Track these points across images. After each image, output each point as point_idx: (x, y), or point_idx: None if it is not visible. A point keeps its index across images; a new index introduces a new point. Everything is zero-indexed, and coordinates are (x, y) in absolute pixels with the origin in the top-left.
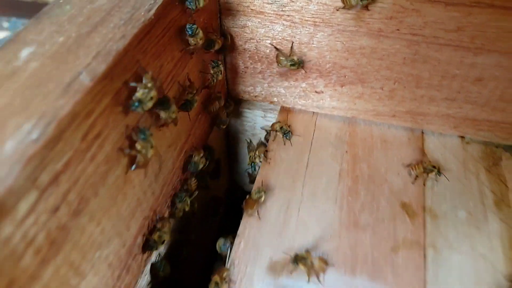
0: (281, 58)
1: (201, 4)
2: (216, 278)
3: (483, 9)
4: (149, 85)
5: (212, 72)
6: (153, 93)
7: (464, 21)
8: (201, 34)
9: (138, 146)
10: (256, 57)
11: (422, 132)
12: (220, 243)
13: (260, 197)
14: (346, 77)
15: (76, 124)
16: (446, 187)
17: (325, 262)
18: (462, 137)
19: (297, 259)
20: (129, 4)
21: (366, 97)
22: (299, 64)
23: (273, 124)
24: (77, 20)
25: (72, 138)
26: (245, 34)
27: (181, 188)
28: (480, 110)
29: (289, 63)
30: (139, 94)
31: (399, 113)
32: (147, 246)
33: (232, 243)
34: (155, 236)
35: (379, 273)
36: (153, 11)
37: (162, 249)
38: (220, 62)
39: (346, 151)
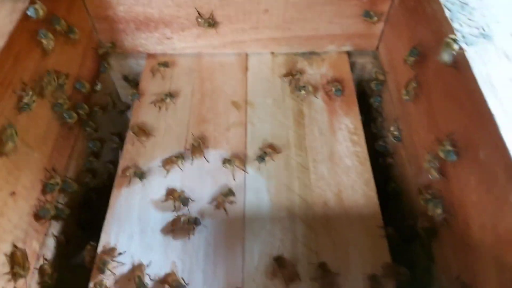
0: (199, 20)
1: (41, 14)
2: None
3: None
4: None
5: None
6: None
7: None
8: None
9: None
10: (117, 20)
11: (247, 54)
12: None
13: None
14: (183, 24)
15: None
16: (260, 86)
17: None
18: (273, 53)
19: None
20: None
21: (202, 37)
22: (212, 25)
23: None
24: None
25: None
26: (105, 4)
27: None
28: (275, 31)
29: (206, 24)
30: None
31: (227, 44)
32: None
33: None
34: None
35: (220, 144)
36: None
37: None
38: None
39: (196, 76)
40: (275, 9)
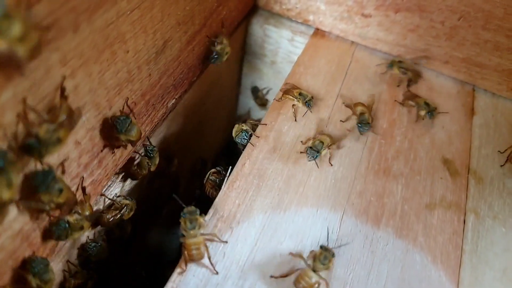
0: None
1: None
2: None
3: None
4: None
5: None
6: None
7: None
8: None
9: None
10: None
11: (473, 89)
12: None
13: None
14: (404, 0)
15: None
16: (495, 151)
17: None
18: None
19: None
20: None
21: (420, 32)
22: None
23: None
24: None
25: None
26: None
27: None
28: None
29: None
30: None
31: (454, 60)
32: None
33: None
34: None
35: (407, 230)
36: None
37: None
38: None
39: (385, 91)
40: None
